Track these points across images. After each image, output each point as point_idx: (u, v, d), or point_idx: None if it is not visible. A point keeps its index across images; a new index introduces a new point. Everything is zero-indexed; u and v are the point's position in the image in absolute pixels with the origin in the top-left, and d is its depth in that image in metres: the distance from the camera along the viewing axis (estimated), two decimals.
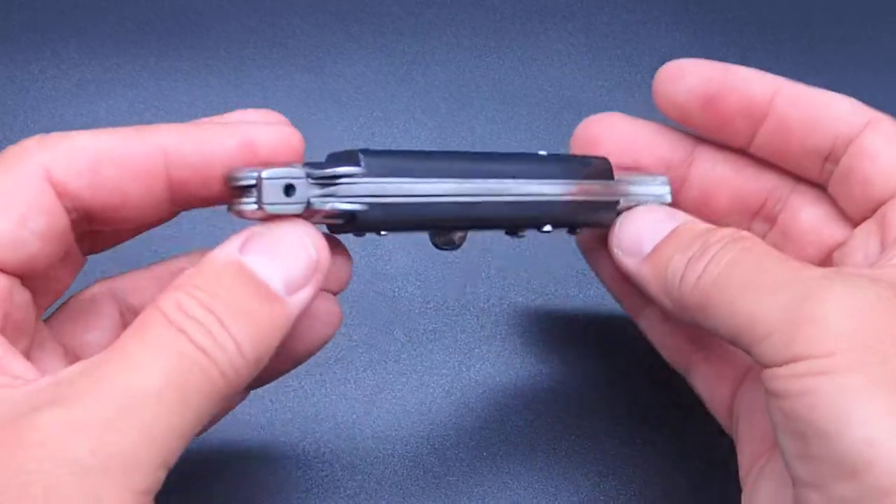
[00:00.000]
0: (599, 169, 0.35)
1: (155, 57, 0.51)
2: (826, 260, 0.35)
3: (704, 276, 0.30)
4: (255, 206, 0.28)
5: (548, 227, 0.34)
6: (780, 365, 0.27)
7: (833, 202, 0.35)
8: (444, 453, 0.40)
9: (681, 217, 0.34)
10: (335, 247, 0.32)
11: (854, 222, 0.34)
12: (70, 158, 0.27)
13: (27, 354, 0.28)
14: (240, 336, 0.26)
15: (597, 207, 0.35)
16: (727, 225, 0.35)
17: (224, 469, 0.40)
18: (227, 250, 0.27)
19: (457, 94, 0.51)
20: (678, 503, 0.40)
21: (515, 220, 0.33)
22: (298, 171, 0.28)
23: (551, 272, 0.45)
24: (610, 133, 0.36)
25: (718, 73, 0.34)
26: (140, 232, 0.32)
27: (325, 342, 0.33)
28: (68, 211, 0.28)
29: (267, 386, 0.41)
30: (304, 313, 0.29)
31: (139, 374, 0.24)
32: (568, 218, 0.34)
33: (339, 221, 0.30)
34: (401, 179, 0.30)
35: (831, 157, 0.33)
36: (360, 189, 0.30)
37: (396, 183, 0.30)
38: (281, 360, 0.32)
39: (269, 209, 0.28)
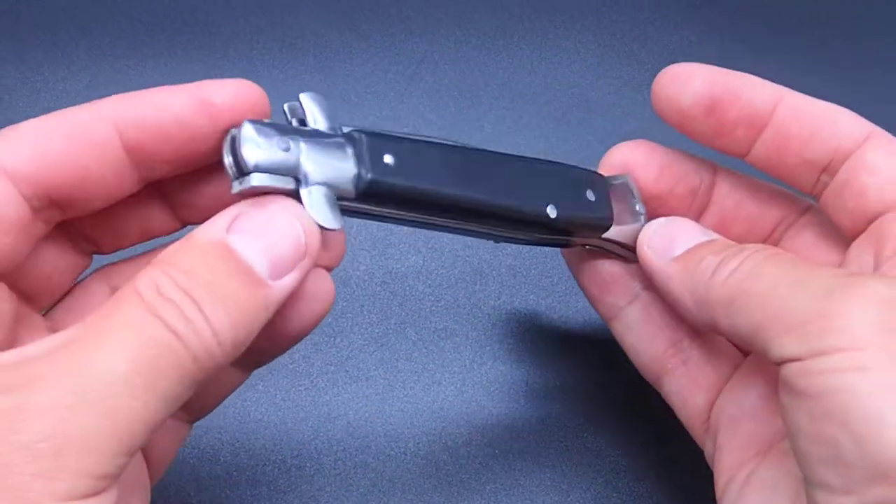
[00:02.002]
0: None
1: (164, 58, 0.52)
2: None
3: (737, 273, 0.30)
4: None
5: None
6: (807, 358, 0.26)
7: (827, 229, 0.35)
8: (457, 451, 0.40)
9: (714, 235, 0.34)
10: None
11: (846, 235, 0.34)
12: (18, 143, 0.27)
13: (9, 346, 0.27)
14: (217, 321, 0.25)
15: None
16: None
17: (236, 467, 0.40)
18: (213, 228, 0.27)
19: (466, 93, 0.51)
20: (690, 500, 0.40)
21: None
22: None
23: (562, 270, 0.46)
24: (650, 159, 0.36)
25: (722, 78, 0.33)
26: (110, 202, 0.30)
27: (319, 320, 0.31)
28: (28, 199, 0.27)
29: (279, 384, 0.42)
30: (291, 297, 0.29)
31: (105, 357, 0.24)
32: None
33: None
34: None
35: (829, 168, 0.33)
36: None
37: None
38: (273, 340, 0.31)
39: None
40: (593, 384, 0.43)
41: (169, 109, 0.28)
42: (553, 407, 0.42)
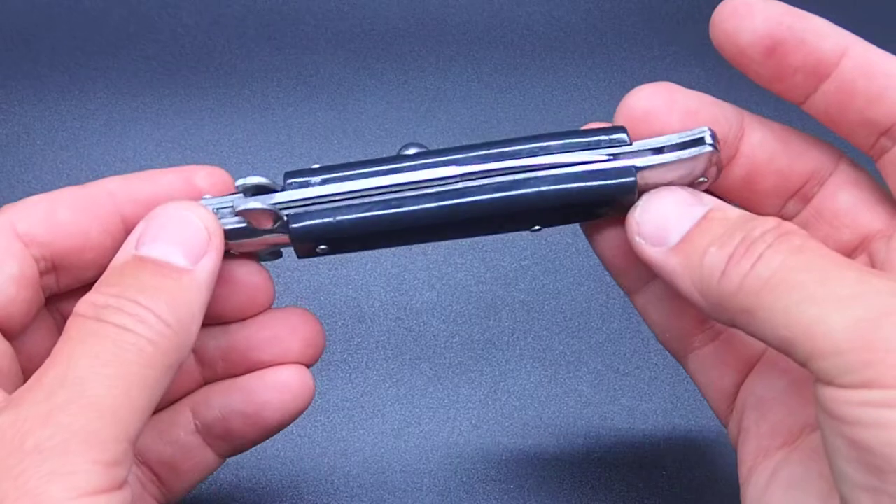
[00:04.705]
0: (605, 139, 0.31)
1: (180, 96, 0.52)
2: (860, 246, 0.32)
3: (752, 277, 0.27)
4: None
5: (536, 227, 0.32)
6: (848, 387, 0.25)
7: (874, 185, 0.32)
8: (472, 486, 0.40)
9: (708, 200, 0.31)
10: (306, 322, 0.34)
11: None
12: (29, 211, 0.30)
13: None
14: (156, 306, 0.27)
15: (599, 188, 0.31)
16: (764, 206, 0.33)
17: None
18: (123, 251, 0.29)
19: (478, 129, 0.51)
20: None
21: (475, 222, 0.31)
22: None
23: (576, 304, 0.46)
24: (673, 105, 0.32)
25: (787, 19, 0.30)
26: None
27: (297, 414, 0.34)
28: (37, 260, 0.30)
29: (296, 421, 0.42)
30: (268, 387, 0.33)
31: (72, 364, 0.26)
32: (556, 208, 0.31)
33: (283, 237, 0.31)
34: (325, 185, 0.31)
35: (890, 133, 0.30)
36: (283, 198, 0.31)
37: (317, 187, 0.31)
38: (251, 429, 0.33)
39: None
40: (609, 420, 0.43)
41: (161, 186, 0.32)
42: (569, 442, 0.42)
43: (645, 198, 0.31)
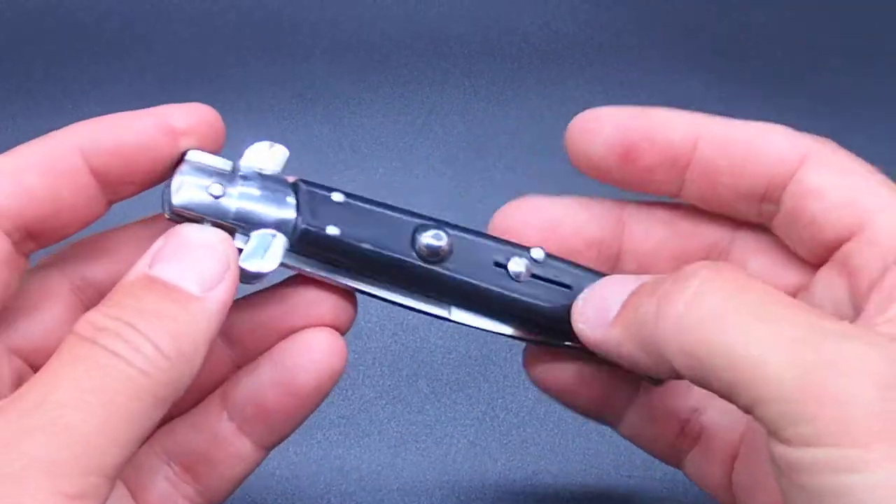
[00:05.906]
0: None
1: None
2: None
3: (687, 316, 0.25)
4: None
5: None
6: (795, 445, 0.23)
7: (779, 243, 0.31)
8: None
9: (646, 278, 0.29)
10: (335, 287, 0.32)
11: (810, 265, 0.30)
12: None
13: None
14: (155, 335, 0.26)
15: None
16: None
17: None
18: (136, 269, 0.28)
19: (474, 143, 0.51)
20: None
21: None
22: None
23: None
24: (533, 219, 0.32)
25: (634, 121, 0.30)
26: (81, 228, 0.31)
27: (331, 378, 0.31)
28: (9, 233, 0.28)
29: (291, 438, 0.41)
30: (293, 353, 0.30)
31: (54, 386, 0.25)
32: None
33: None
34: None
35: (767, 197, 0.30)
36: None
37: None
38: (285, 399, 0.31)
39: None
40: (609, 439, 0.42)
41: (133, 134, 0.29)
42: (567, 460, 0.42)
43: (587, 289, 0.31)
